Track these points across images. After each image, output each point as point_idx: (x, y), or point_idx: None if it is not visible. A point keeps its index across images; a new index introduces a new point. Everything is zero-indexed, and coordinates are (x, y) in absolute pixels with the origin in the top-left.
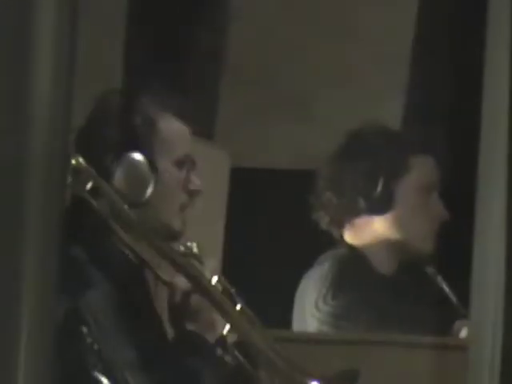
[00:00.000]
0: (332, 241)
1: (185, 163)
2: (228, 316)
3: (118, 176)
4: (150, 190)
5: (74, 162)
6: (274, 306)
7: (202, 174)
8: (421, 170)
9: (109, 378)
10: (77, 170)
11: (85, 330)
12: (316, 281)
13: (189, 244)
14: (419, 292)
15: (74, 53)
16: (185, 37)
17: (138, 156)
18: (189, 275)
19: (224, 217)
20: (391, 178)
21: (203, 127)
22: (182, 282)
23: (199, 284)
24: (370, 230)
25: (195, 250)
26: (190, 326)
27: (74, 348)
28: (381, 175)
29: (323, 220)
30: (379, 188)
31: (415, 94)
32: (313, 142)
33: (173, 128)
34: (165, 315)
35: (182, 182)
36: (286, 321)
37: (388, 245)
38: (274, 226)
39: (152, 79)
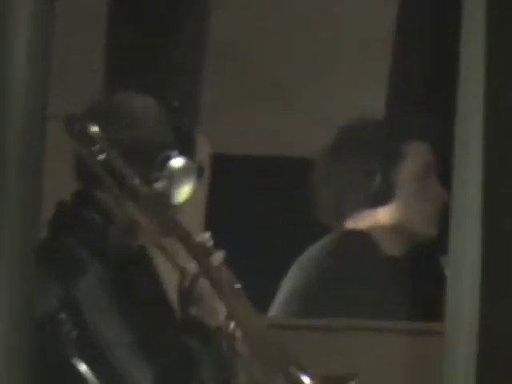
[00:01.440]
0: (326, 229)
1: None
2: (230, 305)
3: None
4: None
5: (90, 130)
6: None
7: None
8: (416, 156)
9: (88, 364)
10: (91, 139)
11: (63, 316)
12: (306, 264)
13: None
14: (424, 276)
15: (50, 37)
16: (169, 24)
17: (181, 161)
18: (199, 259)
19: (205, 204)
20: (388, 169)
21: (188, 114)
22: (192, 268)
23: (208, 270)
24: (371, 220)
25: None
26: (193, 311)
27: (52, 335)
28: (378, 167)
29: (321, 212)
30: (377, 181)
31: (398, 80)
32: (298, 129)
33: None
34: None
35: None
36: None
37: (391, 232)
38: (262, 213)
39: (134, 65)
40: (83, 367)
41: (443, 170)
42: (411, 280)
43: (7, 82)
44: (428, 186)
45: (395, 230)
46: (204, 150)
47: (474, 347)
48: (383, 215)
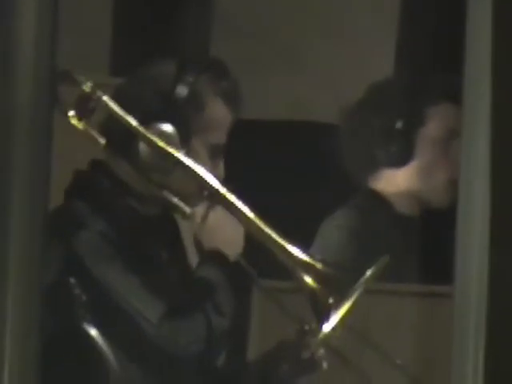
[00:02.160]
0: (355, 188)
1: (217, 152)
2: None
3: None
4: (172, 165)
5: (85, 88)
6: None
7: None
8: (439, 120)
9: (98, 328)
10: (86, 96)
11: (72, 280)
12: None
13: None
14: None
15: (56, 9)
16: None
17: (168, 127)
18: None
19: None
20: (409, 131)
21: None
22: (200, 209)
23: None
24: (390, 182)
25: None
26: (210, 245)
27: (62, 300)
28: (398, 128)
29: (349, 170)
30: (397, 142)
31: (406, 43)
32: (306, 92)
33: (217, 113)
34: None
35: (210, 170)
36: None
37: (407, 194)
38: (278, 176)
39: (141, 29)
40: (93, 332)
41: None
42: (423, 242)
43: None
44: (450, 152)
45: (410, 193)
46: None
47: (484, 310)
48: (401, 177)
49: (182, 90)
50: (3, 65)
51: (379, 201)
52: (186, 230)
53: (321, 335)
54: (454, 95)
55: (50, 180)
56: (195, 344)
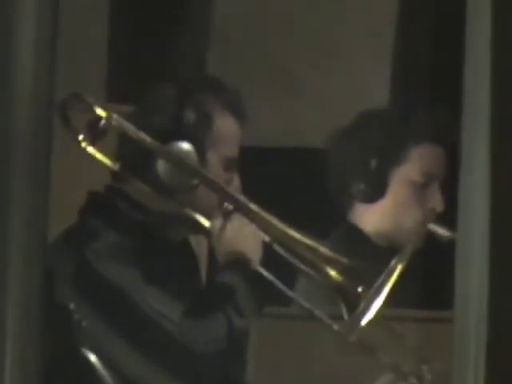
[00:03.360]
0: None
1: (231, 165)
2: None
3: (162, 163)
4: (195, 181)
5: (95, 108)
6: None
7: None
8: (417, 162)
9: (97, 354)
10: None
11: (72, 306)
12: None
13: None
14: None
15: (56, 25)
16: (173, 10)
17: (186, 145)
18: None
19: None
20: (384, 168)
21: None
22: (218, 221)
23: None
24: (364, 217)
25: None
26: (231, 252)
27: (62, 325)
28: (375, 162)
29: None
30: (370, 177)
31: (400, 67)
32: (299, 117)
33: (226, 126)
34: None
35: (226, 183)
36: None
37: (380, 232)
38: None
39: (138, 53)
40: (93, 358)
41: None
42: (419, 269)
43: (13, 69)
44: (425, 195)
45: (380, 230)
46: None
47: (484, 334)
48: (372, 213)
49: (190, 112)
50: (2, 90)
51: (358, 234)
52: (201, 252)
53: (360, 324)
54: (437, 137)
55: (49, 206)
56: (215, 342)
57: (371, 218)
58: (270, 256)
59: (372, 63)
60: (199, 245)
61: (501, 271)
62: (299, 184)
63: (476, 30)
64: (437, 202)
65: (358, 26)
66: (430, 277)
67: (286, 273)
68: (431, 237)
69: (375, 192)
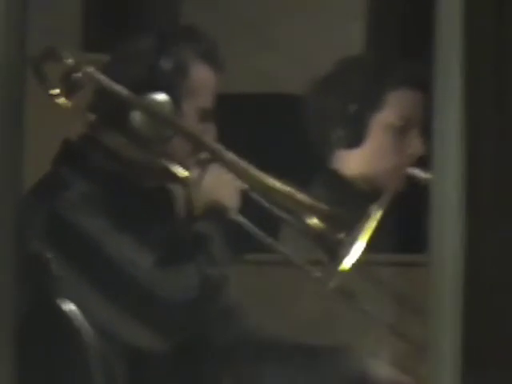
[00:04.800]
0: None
1: (207, 115)
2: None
3: (138, 114)
4: (171, 131)
5: (69, 61)
6: None
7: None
8: (396, 106)
9: (72, 303)
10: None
11: (46, 256)
12: None
13: None
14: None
15: None
16: None
17: (162, 96)
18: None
19: None
20: (363, 114)
21: None
22: (195, 171)
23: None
24: (345, 163)
25: None
26: (208, 200)
27: (36, 276)
28: (354, 108)
29: (315, 147)
30: (350, 122)
31: (373, 18)
32: (274, 67)
33: (202, 76)
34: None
35: (202, 133)
36: None
37: (362, 178)
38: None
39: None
40: (70, 307)
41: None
42: (396, 214)
43: None
44: (405, 139)
45: (362, 175)
46: None
47: (460, 278)
48: (353, 159)
49: (167, 61)
50: None
51: (339, 180)
52: (178, 200)
53: (342, 269)
54: (415, 82)
55: (22, 157)
56: (186, 292)
57: (352, 163)
58: (249, 205)
59: (345, 12)
60: (175, 195)
61: (476, 215)
62: (277, 131)
63: None
64: (417, 146)
65: None
66: (407, 221)
67: (268, 221)
68: (411, 181)
69: (355, 138)
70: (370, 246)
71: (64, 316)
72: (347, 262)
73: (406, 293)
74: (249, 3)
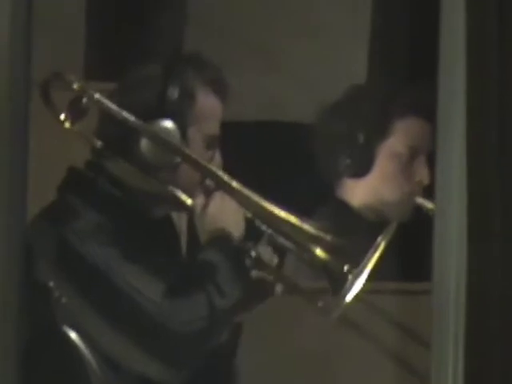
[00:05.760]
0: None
1: (212, 142)
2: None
3: (145, 141)
4: (177, 159)
5: (76, 87)
6: None
7: None
8: (403, 135)
9: (77, 332)
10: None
11: (52, 283)
12: None
13: None
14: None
15: (31, 3)
16: None
17: (168, 123)
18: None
19: None
20: (371, 142)
21: None
22: (200, 199)
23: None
24: (352, 192)
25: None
26: (213, 228)
27: (42, 303)
28: (362, 136)
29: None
30: (358, 151)
31: (378, 44)
32: (278, 92)
33: (208, 103)
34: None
35: (207, 160)
36: None
37: (368, 207)
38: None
39: (118, 27)
40: (73, 335)
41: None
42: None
43: None
44: (411, 168)
45: (368, 205)
46: None
47: (463, 306)
48: (360, 188)
49: (174, 89)
50: None
51: (346, 209)
52: (183, 228)
53: (345, 302)
54: (423, 111)
55: (27, 183)
56: (196, 322)
57: (358, 192)
58: (254, 233)
59: (350, 38)
60: (179, 222)
61: (478, 243)
62: (284, 160)
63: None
64: (423, 175)
65: (336, 1)
66: (410, 249)
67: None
68: (417, 211)
69: (362, 166)
70: (373, 275)
71: (69, 343)
72: (350, 295)
73: (409, 320)
74: (254, 28)
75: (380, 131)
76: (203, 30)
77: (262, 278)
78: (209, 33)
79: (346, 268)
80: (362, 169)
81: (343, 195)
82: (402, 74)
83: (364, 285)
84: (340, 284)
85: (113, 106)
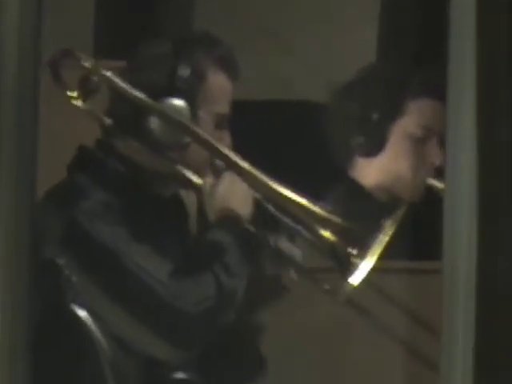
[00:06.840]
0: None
1: (222, 122)
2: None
3: (155, 120)
4: (187, 138)
5: (87, 64)
6: None
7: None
8: (417, 116)
9: (86, 310)
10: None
11: (61, 262)
12: None
13: None
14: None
15: None
16: None
17: (179, 102)
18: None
19: None
20: (383, 122)
21: None
22: (209, 179)
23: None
24: (364, 172)
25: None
26: (221, 208)
27: (51, 282)
28: (375, 116)
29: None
30: (370, 130)
31: (389, 25)
32: (290, 72)
33: (219, 82)
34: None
35: (217, 140)
36: None
37: (380, 187)
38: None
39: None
40: (83, 313)
41: None
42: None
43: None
44: (424, 148)
45: (380, 185)
46: None
47: (473, 285)
48: (372, 168)
49: (184, 68)
50: None
51: (358, 189)
52: (192, 208)
53: (351, 285)
54: (436, 92)
55: (36, 162)
56: (203, 302)
57: (371, 172)
58: (262, 214)
59: (361, 19)
60: (189, 202)
61: (488, 221)
62: (295, 139)
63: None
64: (435, 156)
65: None
66: (421, 228)
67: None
68: (428, 192)
69: (374, 145)
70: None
71: (78, 322)
72: (357, 278)
73: (418, 300)
74: (265, 10)
75: (393, 111)
76: (215, 11)
77: (278, 274)
78: (220, 15)
79: (354, 251)
80: (374, 148)
81: (355, 175)
82: (413, 55)
83: (372, 268)
84: (348, 267)
85: (123, 84)
